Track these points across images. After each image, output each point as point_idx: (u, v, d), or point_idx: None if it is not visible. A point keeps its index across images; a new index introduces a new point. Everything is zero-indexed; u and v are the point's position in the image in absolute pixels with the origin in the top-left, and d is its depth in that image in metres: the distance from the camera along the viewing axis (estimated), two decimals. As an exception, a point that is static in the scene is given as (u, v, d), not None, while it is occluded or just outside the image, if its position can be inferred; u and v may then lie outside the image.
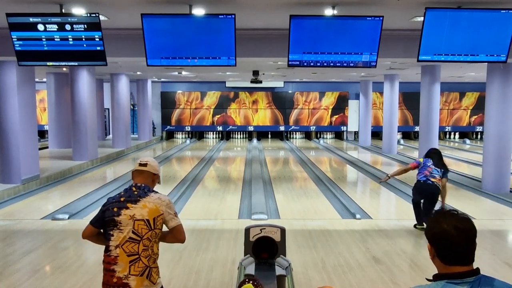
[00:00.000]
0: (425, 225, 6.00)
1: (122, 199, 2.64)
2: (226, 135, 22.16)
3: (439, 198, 6.12)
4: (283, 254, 3.88)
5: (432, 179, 6.08)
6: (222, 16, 5.99)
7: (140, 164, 2.76)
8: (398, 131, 18.13)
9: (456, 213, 1.65)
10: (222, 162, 14.41)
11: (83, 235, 2.74)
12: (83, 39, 6.11)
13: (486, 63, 8.23)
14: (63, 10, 6.06)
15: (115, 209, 2.60)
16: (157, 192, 2.71)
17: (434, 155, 6.34)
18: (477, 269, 1.60)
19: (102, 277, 2.64)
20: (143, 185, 2.70)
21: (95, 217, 2.70)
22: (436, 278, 1.63)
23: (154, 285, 2.61)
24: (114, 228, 2.59)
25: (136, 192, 2.65)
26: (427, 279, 1.67)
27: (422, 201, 6.30)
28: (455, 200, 8.11)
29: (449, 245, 1.58)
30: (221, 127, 22.00)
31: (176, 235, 2.69)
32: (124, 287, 2.54)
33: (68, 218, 6.93)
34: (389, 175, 6.54)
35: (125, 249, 2.56)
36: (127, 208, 2.59)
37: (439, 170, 6.14)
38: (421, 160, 6.40)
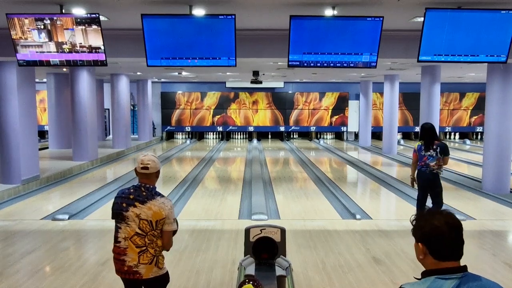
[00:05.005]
0: None
1: (131, 196, 2.90)
2: (226, 136, 22.16)
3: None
4: (283, 254, 3.88)
5: (428, 167, 5.95)
6: (222, 17, 5.99)
7: (143, 168, 2.94)
8: (398, 132, 18.13)
9: (440, 210, 1.71)
10: (222, 162, 14.41)
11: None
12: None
13: (486, 64, 8.22)
14: (63, 11, 6.07)
15: (124, 205, 2.89)
16: (162, 196, 2.94)
17: (424, 136, 6.03)
18: (465, 266, 1.66)
19: (114, 265, 2.98)
20: (151, 186, 2.95)
21: None
22: (425, 274, 1.67)
23: (161, 270, 2.95)
24: (122, 221, 2.89)
25: (144, 193, 2.90)
26: (416, 278, 1.70)
27: (429, 197, 6.16)
28: (455, 200, 8.10)
29: (442, 241, 1.63)
30: (221, 127, 22.00)
31: (164, 237, 2.92)
32: (135, 274, 2.88)
33: (68, 218, 6.92)
34: (411, 176, 6.27)
35: (133, 242, 2.86)
36: (135, 206, 2.87)
37: (434, 154, 5.91)
38: (416, 145, 6.13)
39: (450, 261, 1.64)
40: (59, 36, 6.10)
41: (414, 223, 1.72)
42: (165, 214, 2.85)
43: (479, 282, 1.62)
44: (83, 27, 6.02)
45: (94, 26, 6.02)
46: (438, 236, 1.63)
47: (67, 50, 6.19)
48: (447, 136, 22.31)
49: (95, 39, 6.12)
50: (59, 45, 6.17)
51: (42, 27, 6.05)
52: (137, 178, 3.03)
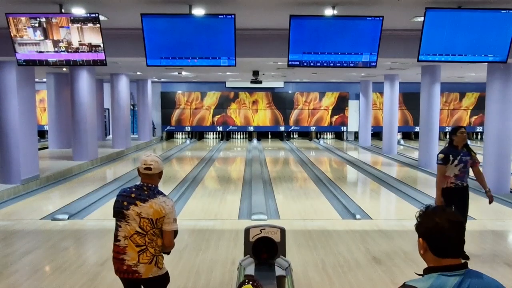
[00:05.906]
0: None
1: (132, 195, 2.89)
2: (226, 135, 22.14)
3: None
4: (283, 254, 3.87)
5: None
6: (222, 16, 5.98)
7: (145, 169, 2.93)
8: (398, 132, 18.13)
9: (443, 208, 1.75)
10: (222, 162, 14.40)
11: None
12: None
13: (486, 63, 8.22)
14: (62, 10, 6.06)
15: (125, 203, 2.88)
16: (164, 195, 2.92)
17: None
18: (466, 263, 1.68)
19: (113, 264, 2.95)
20: (153, 186, 2.94)
21: None
22: (427, 271, 1.69)
23: (161, 270, 2.94)
24: (122, 220, 2.88)
25: (146, 192, 2.89)
26: (418, 274, 1.72)
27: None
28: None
29: (443, 238, 1.65)
30: (221, 127, 21.99)
31: (165, 238, 2.90)
32: (134, 273, 2.86)
33: (68, 218, 6.92)
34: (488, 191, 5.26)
35: (133, 241, 2.85)
36: (136, 205, 2.85)
37: None
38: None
39: (449, 258, 1.66)
40: (55, 34, 6.08)
41: (418, 218, 1.75)
42: (165, 213, 2.84)
43: (480, 280, 1.65)
44: (79, 25, 6.00)
45: (90, 24, 5.99)
46: (438, 232, 1.65)
47: (64, 48, 6.17)
48: (447, 136, 22.28)
49: (93, 38, 6.10)
50: (55, 43, 6.15)
51: (37, 25, 6.03)
52: (138, 178, 3.02)
